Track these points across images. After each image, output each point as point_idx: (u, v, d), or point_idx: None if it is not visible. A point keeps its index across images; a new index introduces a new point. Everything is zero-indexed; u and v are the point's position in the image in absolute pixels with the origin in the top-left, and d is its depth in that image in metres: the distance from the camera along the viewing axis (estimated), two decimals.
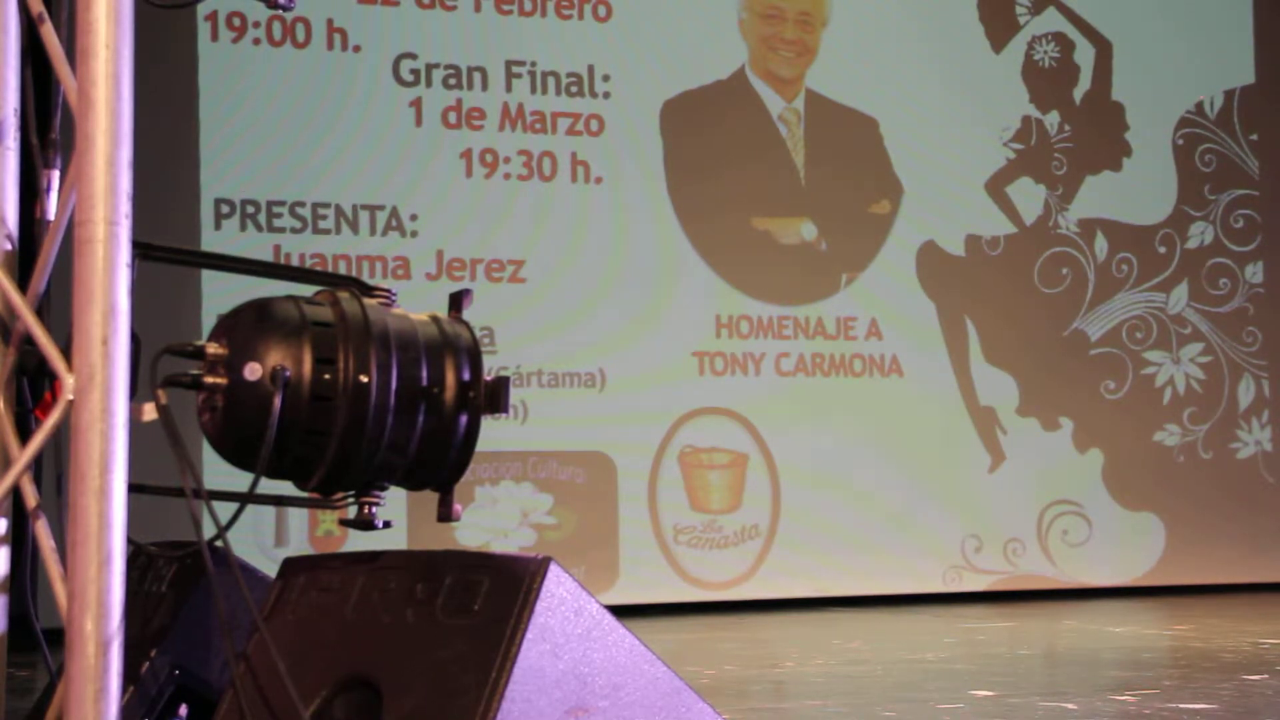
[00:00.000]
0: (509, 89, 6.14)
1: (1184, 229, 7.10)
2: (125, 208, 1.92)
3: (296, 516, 5.62)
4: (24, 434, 2.04)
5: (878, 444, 6.51)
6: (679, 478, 6.24)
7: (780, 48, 6.59)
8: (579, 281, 6.17)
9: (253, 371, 2.03)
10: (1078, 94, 7.00)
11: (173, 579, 2.32)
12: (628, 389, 6.19)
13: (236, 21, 5.80)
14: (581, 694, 1.97)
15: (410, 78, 6.03)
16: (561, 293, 6.14)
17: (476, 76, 6.11)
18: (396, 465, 2.14)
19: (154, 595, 2.33)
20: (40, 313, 2.06)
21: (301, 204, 5.84)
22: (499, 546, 5.83)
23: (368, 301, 2.15)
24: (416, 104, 6.03)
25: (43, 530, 2.02)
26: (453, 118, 6.07)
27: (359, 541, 2.39)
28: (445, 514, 2.20)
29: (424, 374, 2.13)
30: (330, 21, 5.93)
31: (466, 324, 2.22)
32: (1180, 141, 7.13)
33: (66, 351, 1.92)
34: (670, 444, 6.23)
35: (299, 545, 5.61)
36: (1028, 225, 6.86)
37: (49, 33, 2.08)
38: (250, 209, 5.78)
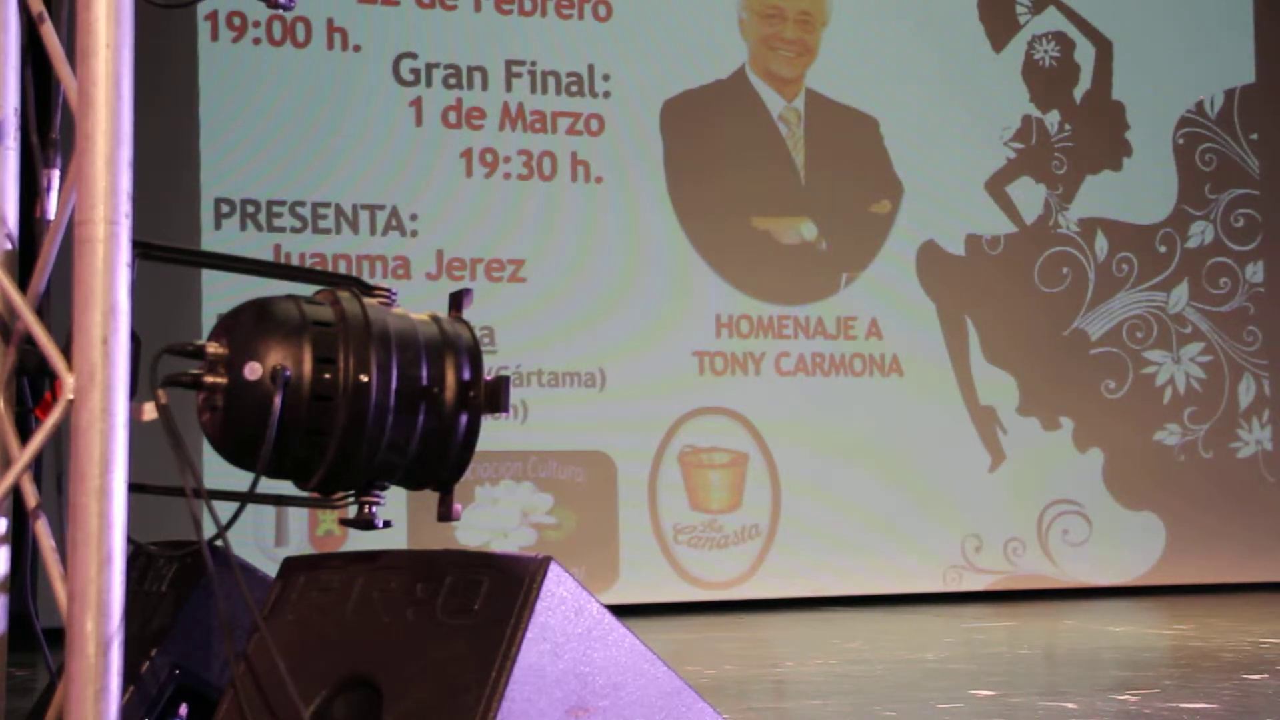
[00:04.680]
0: (509, 89, 6.14)
1: (1184, 228, 7.10)
2: (125, 208, 1.92)
3: (296, 516, 5.62)
4: (24, 434, 2.04)
5: (878, 444, 6.51)
6: (679, 478, 6.24)
7: (780, 47, 6.59)
8: (579, 281, 6.17)
9: (253, 371, 2.03)
10: (1078, 93, 7.00)
11: (173, 579, 2.32)
12: (628, 389, 6.19)
13: (236, 21, 5.80)
14: (582, 693, 1.97)
15: (410, 78, 6.03)
16: (562, 293, 6.14)
17: (476, 76, 6.11)
18: (396, 465, 2.14)
19: (154, 595, 2.33)
20: (40, 313, 2.06)
21: (301, 204, 5.84)
22: (499, 546, 5.83)
23: (368, 301, 2.15)
24: (416, 104, 6.03)
25: (43, 530, 2.02)
26: (453, 117, 6.07)
27: (359, 541, 2.39)
28: (445, 514, 2.20)
29: (424, 374, 2.13)
30: (330, 21, 5.93)
31: (466, 324, 2.22)
32: (1181, 141, 7.13)
33: (66, 351, 1.92)
34: (670, 444, 6.23)
35: (299, 545, 5.61)
36: (1028, 225, 6.86)
37: (49, 32, 2.08)
38: (250, 209, 5.78)
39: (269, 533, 5.59)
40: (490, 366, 5.79)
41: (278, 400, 2.02)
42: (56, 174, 2.18)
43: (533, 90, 6.18)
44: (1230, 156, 7.19)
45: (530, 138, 6.16)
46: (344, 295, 2.15)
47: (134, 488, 1.94)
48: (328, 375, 2.07)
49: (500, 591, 1.97)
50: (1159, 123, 7.11)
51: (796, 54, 6.61)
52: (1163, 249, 7.06)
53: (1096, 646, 4.66)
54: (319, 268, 5.68)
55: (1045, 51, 6.96)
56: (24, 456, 1.99)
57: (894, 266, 6.63)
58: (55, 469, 2.10)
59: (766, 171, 6.51)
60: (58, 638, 1.92)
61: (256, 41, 5.83)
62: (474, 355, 2.18)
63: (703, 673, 3.90)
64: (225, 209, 5.75)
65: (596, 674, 1.99)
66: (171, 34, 5.68)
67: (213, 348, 2.06)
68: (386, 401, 2.08)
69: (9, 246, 2.11)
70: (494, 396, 2.14)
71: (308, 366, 2.06)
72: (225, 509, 2.07)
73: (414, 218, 5.97)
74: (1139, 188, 7.05)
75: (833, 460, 6.43)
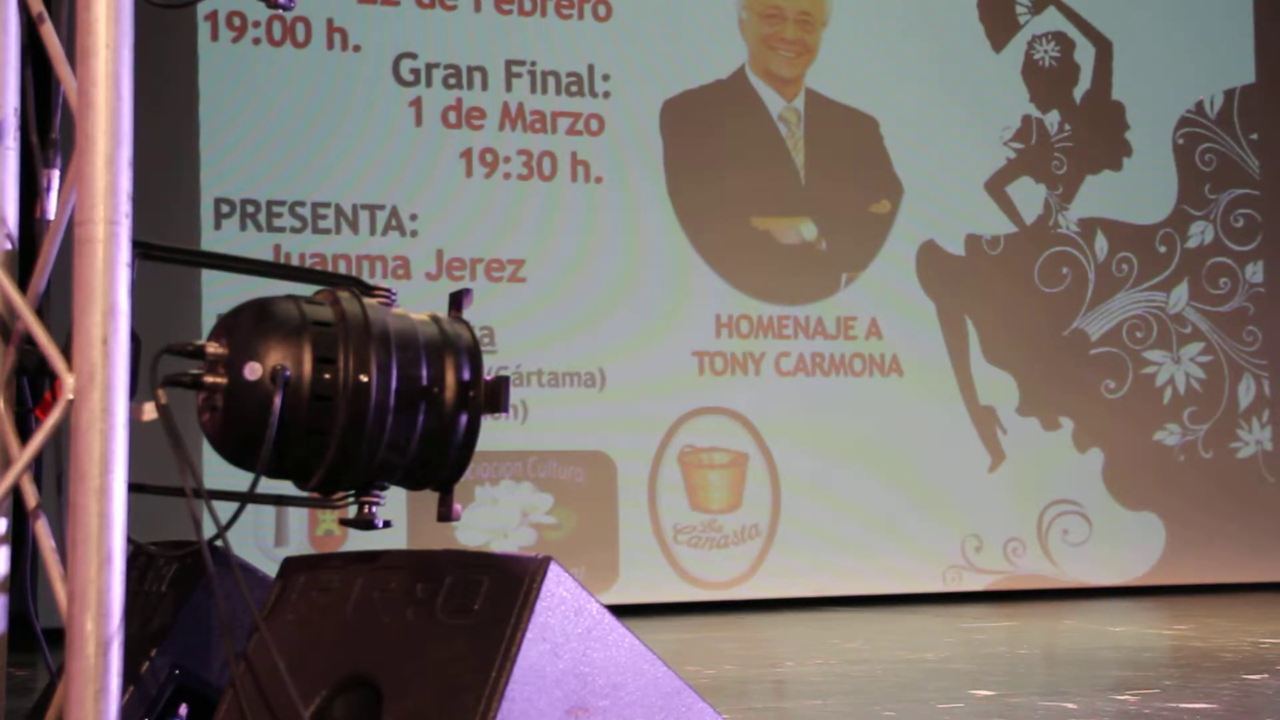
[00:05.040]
0: (509, 89, 6.14)
1: (1184, 228, 7.10)
2: (125, 208, 1.92)
3: (296, 516, 5.62)
4: (24, 434, 2.04)
5: (877, 443, 6.51)
6: (679, 478, 6.24)
7: (780, 47, 6.59)
8: (579, 281, 6.17)
9: (253, 371, 2.03)
10: (1078, 93, 7.00)
11: (173, 579, 2.32)
12: (628, 389, 6.19)
13: (236, 21, 5.80)
14: (581, 693, 1.97)
15: (410, 78, 6.03)
16: (562, 292, 6.14)
17: (476, 76, 6.11)
18: (396, 465, 2.14)
19: (154, 595, 2.33)
20: (40, 313, 2.06)
21: (301, 204, 5.84)
22: (499, 546, 5.83)
23: (368, 301, 2.15)
24: (416, 104, 6.03)
25: (43, 530, 2.02)
26: (453, 118, 6.07)
27: (359, 541, 2.39)
28: (445, 514, 2.20)
29: (424, 374, 2.13)
30: (330, 21, 5.93)
31: (466, 324, 2.22)
32: (1180, 141, 7.13)
33: (66, 351, 1.92)
34: (670, 444, 6.23)
35: (299, 545, 5.61)
36: (1028, 225, 6.86)
37: (49, 33, 2.08)
38: (250, 209, 5.78)
39: (269, 533, 5.59)
40: (490, 366, 5.79)
41: (278, 400, 2.02)
42: (56, 174, 2.18)
43: (533, 90, 6.18)
44: (1230, 156, 7.19)
45: (530, 138, 6.16)
46: (344, 295, 2.14)
47: (134, 488, 1.93)
48: (328, 375, 2.06)
49: (500, 591, 1.97)
50: (1159, 123, 7.11)
51: (796, 54, 6.61)
52: (1163, 249, 7.06)
53: (1096, 646, 4.66)
54: (319, 268, 5.68)
55: (1045, 51, 6.96)
56: (24, 456, 1.99)
57: (894, 266, 6.63)
58: (55, 469, 2.10)
59: (766, 171, 6.51)
60: (58, 638, 1.92)
61: (256, 41, 5.83)
62: (474, 355, 2.18)
63: (703, 673, 3.90)
64: (225, 209, 5.75)
65: (596, 674, 1.99)
66: (171, 34, 5.68)
67: (213, 348, 2.06)
68: (386, 401, 2.08)
69: (9, 246, 2.11)
70: (494, 396, 2.14)
71: (308, 366, 2.06)
72: (225, 509, 2.07)
73: (414, 218, 5.97)
74: (1139, 188, 7.05)
75: (833, 460, 6.43)
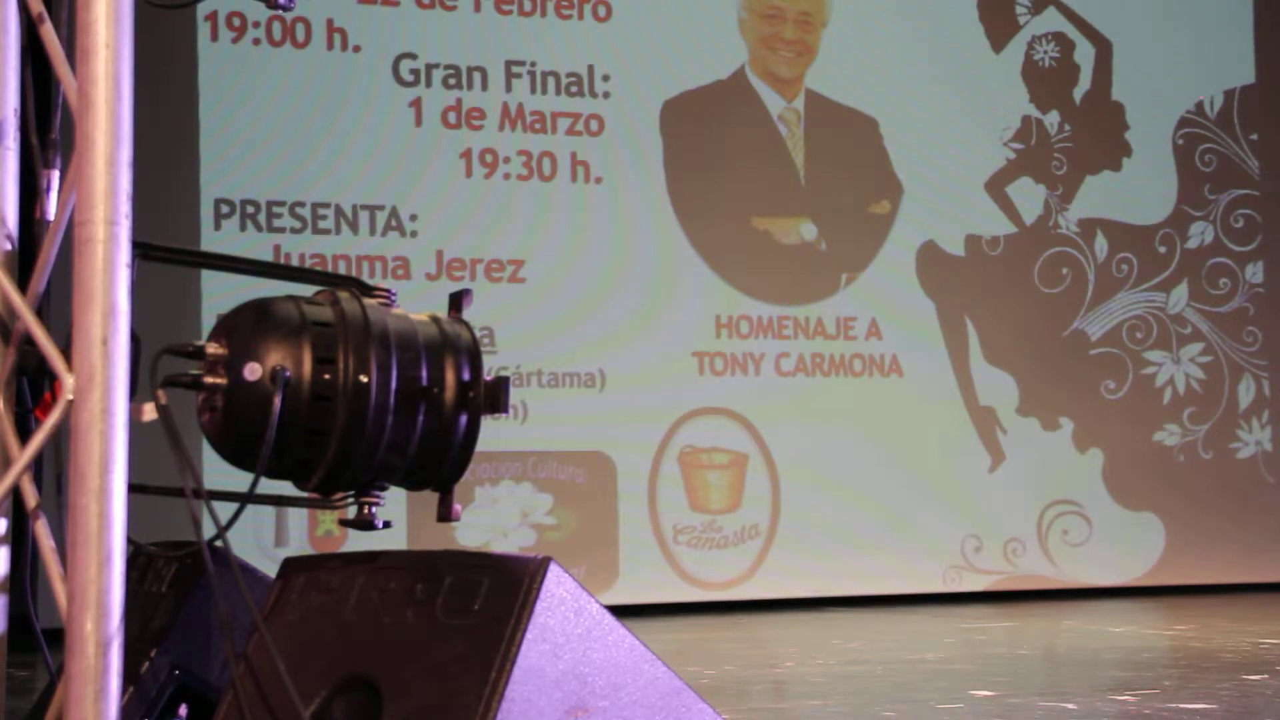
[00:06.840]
0: (509, 89, 6.14)
1: (1184, 229, 7.10)
2: (125, 208, 1.92)
3: (296, 516, 5.62)
4: (24, 434, 2.04)
5: (878, 444, 6.51)
6: (679, 478, 6.24)
7: (780, 48, 6.59)
8: (579, 281, 6.17)
9: (253, 371, 2.03)
10: (1078, 94, 7.00)
11: (173, 579, 2.32)
12: (628, 389, 6.19)
13: (236, 21, 5.80)
14: (581, 694, 1.97)
15: (410, 78, 6.03)
16: (561, 293, 6.14)
17: (476, 76, 6.11)
18: (396, 465, 2.14)
19: (154, 595, 2.33)
20: (40, 313, 2.06)
21: (301, 204, 5.84)
22: (499, 546, 5.84)
23: (367, 301, 2.15)
24: (416, 104, 6.03)
25: (43, 530, 2.02)
26: (452, 118, 6.07)
27: (359, 541, 2.39)
28: (445, 514, 2.20)
29: (424, 374, 2.13)
30: (330, 21, 5.94)
31: (466, 324, 2.22)
32: (1180, 141, 7.13)
33: (66, 351, 1.92)
34: (670, 444, 6.23)
35: (299, 545, 5.61)
36: (1028, 225, 6.86)
37: (49, 33, 2.08)
38: (250, 209, 5.78)
39: (269, 533, 5.59)
40: (490, 366, 5.79)
41: (277, 401, 2.02)
42: (56, 174, 2.18)
43: (532, 90, 6.18)
44: (1230, 157, 7.19)
45: (530, 138, 6.16)
46: (344, 295, 2.14)
47: (134, 488, 1.93)
48: (327, 375, 2.06)
49: (500, 592, 1.97)
50: (1159, 123, 7.11)
51: (796, 54, 6.61)
52: (1162, 249, 7.06)
53: (1096, 646, 4.66)
54: (319, 268, 5.68)
55: (1045, 52, 6.96)
56: (24, 456, 1.99)
57: (894, 267, 6.63)
58: (55, 469, 2.10)
59: (766, 171, 6.51)
60: (58, 638, 1.92)
61: (256, 42, 5.83)
62: (474, 355, 2.18)
63: (703, 673, 3.90)
64: (225, 209, 5.75)
65: (596, 674, 1.99)
66: (171, 34, 5.68)
67: (212, 348, 2.06)
68: (386, 402, 2.08)
69: (9, 246, 2.11)
70: (494, 397, 2.14)
71: (307, 367, 2.06)
72: (225, 509, 2.07)
73: (414, 218, 5.97)
74: (1139, 188, 7.05)
75: (832, 460, 6.43)
